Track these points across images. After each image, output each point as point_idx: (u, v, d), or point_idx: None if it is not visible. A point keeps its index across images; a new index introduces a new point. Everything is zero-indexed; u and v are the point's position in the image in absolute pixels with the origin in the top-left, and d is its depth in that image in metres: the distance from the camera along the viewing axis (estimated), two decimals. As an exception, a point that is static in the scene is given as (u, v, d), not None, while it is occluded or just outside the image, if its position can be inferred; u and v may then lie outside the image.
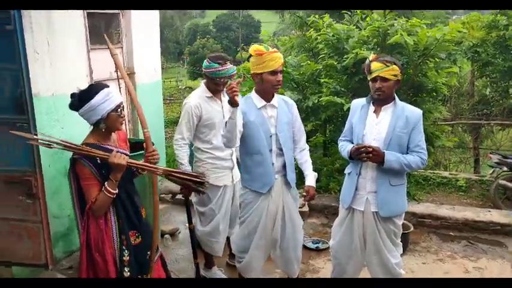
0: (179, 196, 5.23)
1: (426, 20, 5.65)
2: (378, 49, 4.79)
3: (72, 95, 2.36)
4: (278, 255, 3.22)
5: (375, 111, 2.94)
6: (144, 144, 2.50)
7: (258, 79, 2.95)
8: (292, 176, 3.13)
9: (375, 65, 2.82)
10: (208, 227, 3.54)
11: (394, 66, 2.81)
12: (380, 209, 2.89)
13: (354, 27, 5.22)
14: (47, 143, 2.25)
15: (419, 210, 4.89)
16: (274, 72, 2.91)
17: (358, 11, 5.53)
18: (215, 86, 3.41)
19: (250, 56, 2.95)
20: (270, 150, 3.03)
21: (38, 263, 3.35)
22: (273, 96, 3.06)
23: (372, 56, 2.91)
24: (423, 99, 4.93)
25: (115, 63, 2.59)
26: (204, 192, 2.61)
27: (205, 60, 3.39)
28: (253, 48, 2.92)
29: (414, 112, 2.90)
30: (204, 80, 3.51)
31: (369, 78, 2.89)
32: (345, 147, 3.04)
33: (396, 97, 2.93)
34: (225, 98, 3.42)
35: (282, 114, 3.07)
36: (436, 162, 8.47)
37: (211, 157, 3.48)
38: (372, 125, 2.92)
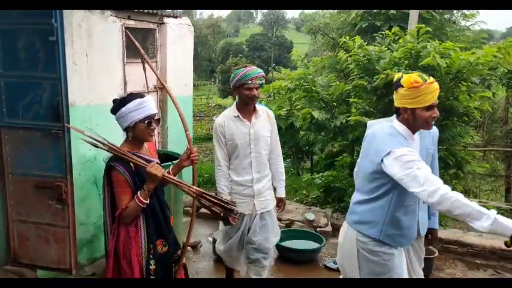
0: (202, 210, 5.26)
1: (462, 43, 5.58)
2: (409, 71, 4.75)
3: (114, 101, 2.45)
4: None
5: None
6: (187, 145, 2.60)
7: (408, 114, 2.42)
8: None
9: None
10: (223, 247, 3.53)
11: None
12: (421, 230, 2.74)
13: (386, 48, 5.21)
14: (94, 142, 2.34)
15: (445, 235, 4.76)
16: (430, 107, 2.40)
17: (391, 33, 5.52)
18: (249, 94, 3.18)
19: (398, 85, 2.41)
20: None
21: (63, 267, 3.44)
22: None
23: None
24: (454, 123, 4.84)
25: (145, 61, 2.69)
26: (230, 223, 2.53)
27: (231, 77, 3.28)
28: (409, 79, 2.36)
29: (434, 128, 2.81)
30: (236, 101, 3.35)
31: None
32: None
33: None
34: (257, 119, 3.32)
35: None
36: (466, 189, 8.24)
37: (230, 180, 3.33)
38: None
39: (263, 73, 3.20)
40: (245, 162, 3.30)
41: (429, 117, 2.39)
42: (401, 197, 2.42)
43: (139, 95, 2.45)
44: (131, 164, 2.36)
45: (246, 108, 3.28)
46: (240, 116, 3.27)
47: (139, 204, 2.32)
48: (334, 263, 4.35)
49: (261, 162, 3.35)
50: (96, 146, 2.35)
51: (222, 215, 2.46)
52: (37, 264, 3.51)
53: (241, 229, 3.38)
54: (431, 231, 2.89)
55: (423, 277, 2.96)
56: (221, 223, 3.47)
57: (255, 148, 3.29)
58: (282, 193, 3.53)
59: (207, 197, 2.45)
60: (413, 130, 2.49)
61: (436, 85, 2.38)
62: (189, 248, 4.52)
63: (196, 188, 2.47)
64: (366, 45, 5.18)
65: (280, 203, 3.55)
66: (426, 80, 2.34)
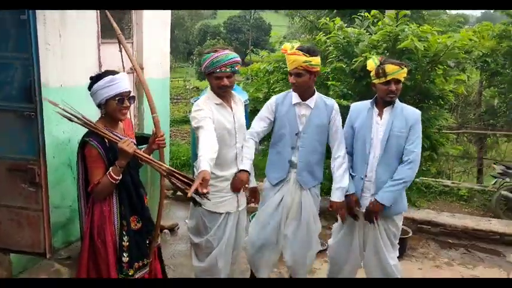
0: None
1: (438, 27, 5.64)
2: (388, 54, 4.78)
3: (90, 78, 2.47)
4: (288, 254, 3.16)
5: (378, 114, 2.95)
6: (153, 128, 2.57)
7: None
8: (304, 178, 3.04)
9: (390, 68, 2.80)
10: (205, 262, 2.96)
11: (405, 68, 2.87)
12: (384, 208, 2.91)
13: (365, 31, 5.22)
14: (69, 115, 2.34)
15: (419, 216, 4.88)
16: (290, 74, 2.91)
17: (370, 16, 5.52)
18: (219, 84, 2.76)
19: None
20: (292, 148, 3.01)
21: (37, 251, 3.38)
22: (311, 95, 3.00)
23: (378, 59, 2.90)
24: (429, 105, 4.92)
25: (119, 41, 2.70)
26: (200, 204, 2.45)
27: (201, 61, 2.86)
28: (286, 46, 2.93)
29: (413, 112, 2.96)
30: (209, 87, 2.91)
31: (380, 81, 2.85)
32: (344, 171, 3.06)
33: (397, 98, 2.95)
34: (236, 105, 2.96)
35: (314, 115, 2.99)
36: (439, 170, 8.44)
37: (212, 177, 2.51)
38: (377, 127, 2.93)
39: (237, 58, 2.76)
40: (230, 155, 2.88)
41: (291, 80, 2.93)
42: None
43: (113, 72, 2.44)
44: (105, 139, 2.36)
45: (224, 94, 2.86)
46: (223, 103, 2.84)
47: (111, 180, 2.33)
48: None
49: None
50: (71, 120, 2.35)
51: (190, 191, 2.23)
52: (10, 248, 3.44)
53: (227, 234, 2.92)
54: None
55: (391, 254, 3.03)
56: (190, 237, 3.06)
57: (239, 138, 2.92)
58: (254, 182, 3.16)
59: (178, 176, 2.34)
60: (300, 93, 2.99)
61: (293, 57, 2.83)
62: (166, 230, 4.51)
63: (167, 166, 2.40)
64: (345, 27, 5.17)
65: (255, 193, 3.18)
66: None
